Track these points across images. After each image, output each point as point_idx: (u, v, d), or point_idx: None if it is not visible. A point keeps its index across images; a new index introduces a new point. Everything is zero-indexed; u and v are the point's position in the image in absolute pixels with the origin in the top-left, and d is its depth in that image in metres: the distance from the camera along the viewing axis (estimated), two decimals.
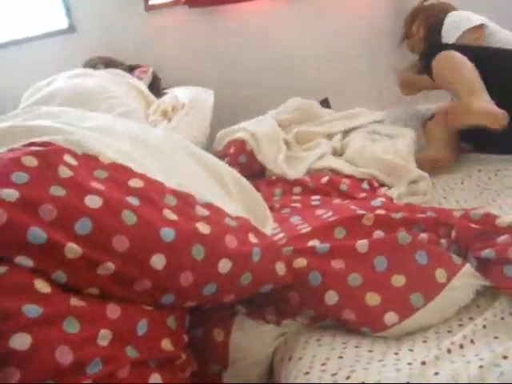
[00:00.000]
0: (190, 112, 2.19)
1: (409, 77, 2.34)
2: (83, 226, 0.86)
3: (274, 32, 2.84)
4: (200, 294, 0.95)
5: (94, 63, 2.45)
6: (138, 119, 1.96)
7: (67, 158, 0.96)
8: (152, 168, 1.09)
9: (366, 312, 1.01)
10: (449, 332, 0.98)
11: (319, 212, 1.33)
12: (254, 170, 1.80)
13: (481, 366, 0.79)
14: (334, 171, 1.74)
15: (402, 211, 1.23)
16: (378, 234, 1.15)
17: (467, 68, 1.70)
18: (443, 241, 1.13)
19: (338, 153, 1.92)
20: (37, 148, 0.96)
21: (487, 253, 1.05)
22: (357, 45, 2.87)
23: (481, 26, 2.03)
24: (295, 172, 1.73)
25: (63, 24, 2.73)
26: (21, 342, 0.74)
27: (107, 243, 0.86)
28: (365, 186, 1.66)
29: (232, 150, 1.84)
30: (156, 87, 2.51)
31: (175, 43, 2.81)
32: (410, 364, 0.86)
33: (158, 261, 0.89)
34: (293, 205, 1.51)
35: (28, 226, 0.81)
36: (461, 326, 0.99)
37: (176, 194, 1.04)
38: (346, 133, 2.04)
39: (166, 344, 0.91)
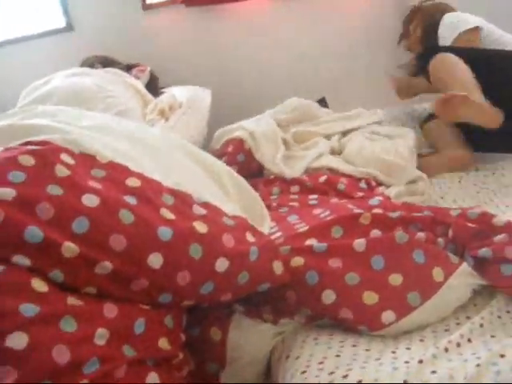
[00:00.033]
0: (187, 111, 2.19)
1: (405, 81, 2.34)
2: (80, 225, 0.86)
3: (272, 31, 2.84)
4: (197, 292, 0.95)
5: (92, 62, 2.45)
6: (135, 118, 1.96)
7: (64, 157, 0.96)
8: (149, 167, 1.09)
9: (364, 311, 1.01)
10: (446, 331, 0.98)
11: (317, 211, 1.33)
12: (251, 169, 1.80)
13: (478, 365, 0.79)
14: (331, 170, 1.74)
15: (400, 210, 1.23)
16: (376, 233, 1.15)
17: (462, 70, 1.71)
18: (440, 240, 1.13)
19: (335, 152, 1.92)
20: (34, 147, 0.96)
21: (484, 252, 1.05)
22: (354, 44, 2.88)
23: (476, 28, 2.04)
24: (293, 171, 1.73)
25: (61, 23, 2.72)
26: (18, 341, 0.74)
27: (104, 242, 0.86)
28: (362, 185, 1.66)
29: (230, 149, 1.84)
30: (153, 86, 2.51)
31: (172, 42, 2.81)
32: (407, 362, 0.86)
33: (156, 260, 0.89)
34: (290, 204, 1.51)
35: (25, 225, 0.81)
36: (458, 324, 0.99)
37: (173, 193, 1.04)
38: (344, 133, 2.04)
39: (163, 343, 0.91)
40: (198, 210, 1.04)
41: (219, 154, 1.80)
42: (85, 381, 0.76)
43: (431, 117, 2.01)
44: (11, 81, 2.54)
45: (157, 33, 2.79)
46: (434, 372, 0.81)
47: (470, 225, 1.15)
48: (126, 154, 1.09)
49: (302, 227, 1.21)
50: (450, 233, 1.14)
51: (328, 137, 2.00)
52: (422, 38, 2.34)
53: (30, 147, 0.96)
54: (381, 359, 0.90)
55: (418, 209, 1.29)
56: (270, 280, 1.04)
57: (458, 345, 0.89)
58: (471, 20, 2.08)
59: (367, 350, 0.95)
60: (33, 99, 2.00)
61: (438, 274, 1.03)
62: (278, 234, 1.21)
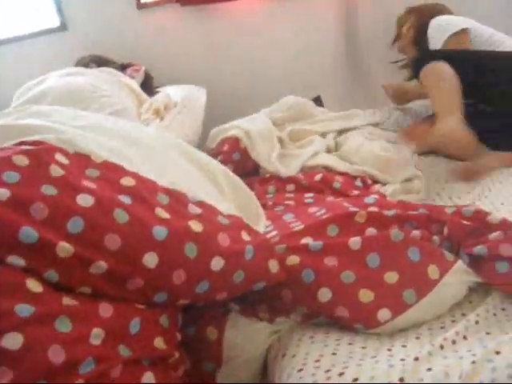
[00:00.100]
0: (182, 110, 2.19)
1: (399, 87, 2.36)
2: (75, 225, 0.85)
3: (267, 30, 2.84)
4: (193, 292, 0.94)
5: (86, 62, 2.44)
6: (130, 118, 1.96)
7: (59, 157, 0.96)
8: (144, 166, 1.08)
9: (359, 309, 1.01)
10: (442, 328, 0.98)
11: (312, 210, 1.33)
12: (247, 168, 1.80)
13: (473, 362, 0.79)
14: (327, 168, 1.74)
15: (395, 208, 1.23)
16: (371, 231, 1.15)
17: (450, 85, 1.72)
18: (435, 237, 1.13)
19: (331, 150, 1.92)
20: (28, 147, 0.95)
21: (479, 249, 1.05)
22: (350, 43, 2.88)
23: (465, 30, 2.05)
24: (289, 169, 1.73)
25: (54, 22, 2.71)
26: (13, 341, 0.74)
27: (99, 242, 0.86)
28: (358, 183, 1.66)
29: (226, 148, 1.83)
30: (148, 86, 2.51)
31: (167, 41, 2.81)
32: (403, 360, 0.86)
33: (151, 259, 0.89)
34: (286, 202, 1.51)
35: (19, 226, 0.81)
36: (453, 322, 0.99)
37: (168, 192, 1.04)
38: (340, 132, 2.05)
39: (159, 342, 0.91)
40: (193, 209, 1.03)
41: (215, 153, 1.79)
42: (80, 381, 0.76)
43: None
44: (5, 80, 2.53)
45: (151, 32, 2.79)
46: (429, 369, 0.81)
47: (465, 222, 1.15)
48: (121, 153, 1.09)
49: (298, 226, 1.21)
50: (445, 230, 1.15)
51: (323, 135, 2.00)
52: (414, 40, 2.35)
53: (24, 147, 0.95)
54: (377, 357, 0.90)
55: (413, 207, 1.29)
56: (265, 279, 1.03)
57: (454, 342, 0.89)
58: (459, 22, 2.09)
59: (363, 347, 0.95)
60: (27, 99, 1.99)
61: (433, 271, 1.03)
62: (274, 232, 1.21)
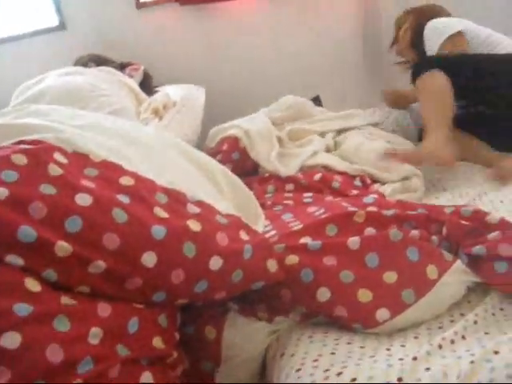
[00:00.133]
0: (181, 110, 2.19)
1: (397, 94, 2.38)
2: (73, 224, 0.85)
3: (266, 30, 2.85)
4: (191, 291, 0.94)
5: (85, 61, 2.44)
6: (129, 117, 1.96)
7: (57, 156, 0.96)
8: (143, 166, 1.08)
9: (358, 308, 1.01)
10: (440, 328, 0.98)
11: (311, 209, 1.33)
12: (246, 167, 1.80)
13: (472, 362, 0.79)
14: (326, 168, 1.74)
15: (394, 208, 1.23)
16: (370, 230, 1.15)
17: (440, 101, 1.75)
18: (434, 237, 1.13)
19: (330, 150, 1.92)
20: (26, 146, 0.95)
21: (478, 249, 1.05)
22: (348, 43, 2.88)
23: (460, 33, 2.05)
24: (288, 169, 1.73)
25: (53, 21, 2.71)
26: (11, 340, 0.74)
27: (98, 241, 0.86)
28: (357, 182, 1.66)
29: (225, 147, 1.84)
30: (147, 85, 2.50)
31: (166, 41, 2.81)
32: (401, 360, 0.86)
33: (149, 258, 0.89)
34: (285, 202, 1.51)
35: (18, 225, 0.81)
36: (452, 321, 0.99)
37: (167, 191, 1.04)
38: (340, 132, 2.05)
39: (157, 342, 0.91)
40: (192, 209, 1.03)
41: (214, 153, 1.79)
42: (78, 380, 0.76)
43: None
44: (3, 80, 2.52)
45: (151, 31, 2.79)
46: (428, 369, 0.81)
47: (463, 222, 1.15)
48: (120, 152, 1.09)
49: (297, 225, 1.21)
50: (444, 230, 1.15)
51: (322, 134, 2.00)
52: (411, 42, 2.35)
53: (22, 146, 0.95)
54: (375, 356, 0.90)
55: (412, 207, 1.29)
56: (264, 278, 1.03)
57: (452, 342, 0.89)
58: (455, 25, 2.09)
59: (362, 347, 0.95)
60: (25, 98, 1.99)
61: (432, 271, 1.03)
62: (273, 232, 1.21)
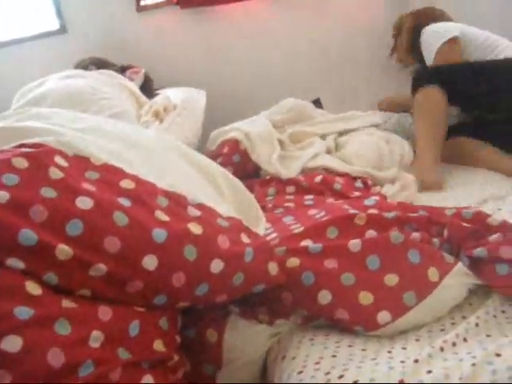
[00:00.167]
0: (182, 113, 2.19)
1: (393, 101, 2.41)
2: (74, 228, 0.85)
3: (266, 32, 2.85)
4: (192, 294, 0.94)
5: (86, 64, 2.44)
6: (129, 120, 1.96)
7: (58, 160, 0.96)
8: (144, 169, 1.08)
9: (359, 311, 1.01)
10: (441, 330, 0.98)
11: (312, 212, 1.33)
12: (247, 170, 1.80)
13: (473, 364, 0.79)
14: (327, 170, 1.75)
15: (395, 210, 1.23)
16: (371, 233, 1.15)
17: (435, 120, 1.85)
18: (435, 240, 1.13)
19: (331, 151, 1.93)
20: (27, 149, 0.95)
21: (479, 251, 1.05)
22: (349, 46, 2.88)
23: (456, 38, 2.07)
24: (289, 171, 1.73)
25: (54, 25, 2.71)
26: (12, 344, 0.73)
27: (99, 244, 0.86)
28: (358, 184, 1.67)
29: (226, 150, 1.84)
30: (148, 88, 2.50)
31: (167, 44, 2.81)
32: (402, 362, 0.86)
33: (150, 262, 0.89)
34: (286, 205, 1.51)
35: (19, 228, 0.81)
36: (453, 324, 0.99)
37: (168, 194, 1.04)
38: (340, 134, 2.05)
39: (158, 345, 0.91)
40: (193, 212, 1.03)
41: (215, 155, 1.80)
42: (79, 383, 0.76)
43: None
44: (5, 83, 2.53)
45: (151, 34, 2.79)
46: (429, 371, 0.81)
47: (465, 224, 1.15)
48: (120, 155, 1.09)
49: (298, 228, 1.21)
50: (445, 233, 1.15)
51: (323, 137, 2.00)
52: (409, 49, 2.38)
53: (23, 149, 0.95)
54: (377, 359, 0.90)
55: (413, 209, 1.29)
56: (265, 281, 1.03)
57: (454, 344, 0.89)
58: (450, 30, 2.12)
59: (363, 349, 0.95)
60: (27, 101, 1.99)
61: (433, 273, 1.03)
62: (274, 235, 1.21)
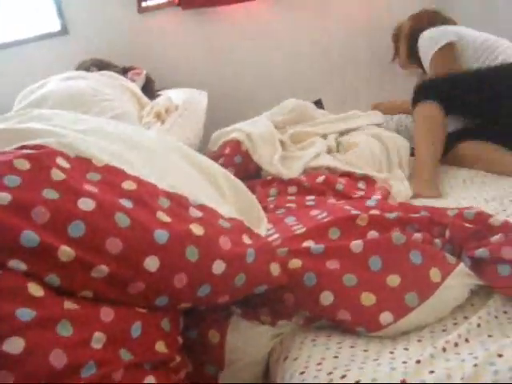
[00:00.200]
0: (183, 114, 2.19)
1: (390, 106, 2.43)
2: (76, 229, 0.85)
3: (268, 33, 2.85)
4: (194, 295, 0.94)
5: (87, 65, 2.44)
6: (131, 121, 1.96)
7: (60, 161, 0.96)
8: (145, 170, 1.08)
9: (361, 312, 1.01)
10: (444, 331, 0.98)
11: (314, 213, 1.33)
12: (249, 171, 1.80)
13: (475, 365, 0.79)
14: (329, 169, 1.75)
15: (396, 211, 1.23)
16: (373, 234, 1.15)
17: (433, 135, 1.89)
18: (437, 240, 1.13)
19: (332, 151, 1.93)
20: (29, 151, 0.96)
21: (481, 252, 1.05)
22: (350, 47, 2.88)
23: (449, 45, 2.09)
24: (291, 172, 1.73)
25: (55, 26, 2.72)
26: (14, 345, 0.73)
27: (100, 246, 0.86)
28: (361, 185, 1.66)
29: (227, 151, 1.84)
30: (149, 89, 2.51)
31: (168, 45, 2.81)
32: (405, 363, 0.86)
33: (152, 263, 0.89)
34: (287, 205, 1.51)
35: (21, 230, 0.81)
36: (455, 324, 0.99)
37: (169, 195, 1.04)
38: (342, 133, 2.05)
39: (160, 346, 0.91)
40: (194, 213, 1.03)
41: (216, 156, 1.80)
42: None
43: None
44: (6, 84, 2.53)
45: (153, 36, 2.79)
46: (431, 372, 0.81)
47: (466, 225, 1.15)
48: (122, 157, 1.09)
49: (299, 229, 1.21)
50: (447, 233, 1.15)
51: (325, 137, 2.00)
52: (408, 54, 2.40)
53: (25, 151, 0.95)
54: (379, 360, 0.90)
55: (414, 209, 1.29)
56: (267, 282, 1.03)
57: (456, 345, 0.89)
58: (445, 36, 2.12)
59: (365, 350, 0.95)
60: (28, 103, 1.99)
61: (435, 274, 1.03)
62: (276, 235, 1.21)
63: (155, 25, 2.79)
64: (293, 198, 1.59)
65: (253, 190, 1.53)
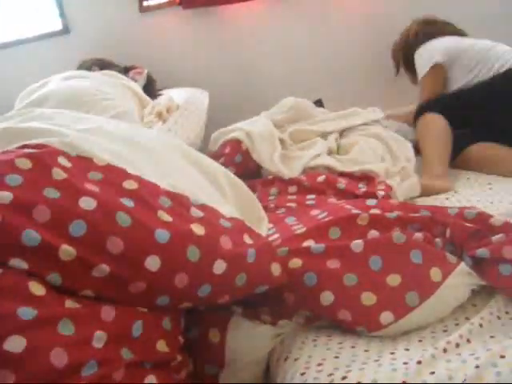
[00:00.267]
0: (184, 113, 2.19)
1: (390, 116, 2.43)
2: (77, 228, 0.85)
3: (269, 33, 2.84)
4: (195, 295, 0.94)
5: (89, 65, 2.44)
6: (132, 121, 1.96)
7: (61, 160, 0.96)
8: (146, 169, 1.08)
9: (362, 312, 1.01)
10: (445, 331, 0.98)
11: (314, 212, 1.33)
12: (249, 170, 1.80)
13: (477, 366, 0.79)
14: (329, 169, 1.74)
15: (397, 210, 1.23)
16: (373, 233, 1.15)
17: (441, 139, 1.93)
18: (438, 240, 1.13)
19: (333, 152, 1.92)
20: (30, 150, 0.96)
21: (482, 252, 1.05)
22: (350, 45, 2.88)
23: (439, 64, 2.16)
24: (291, 171, 1.73)
25: (57, 25, 2.72)
26: (15, 344, 0.74)
27: (101, 245, 0.86)
28: (361, 186, 1.66)
29: (227, 150, 1.84)
30: (151, 88, 2.50)
31: (170, 44, 2.81)
32: (406, 363, 0.86)
33: (153, 262, 0.89)
34: (288, 205, 1.51)
35: (22, 229, 0.81)
36: (457, 325, 0.99)
37: (170, 195, 1.04)
38: (342, 132, 2.05)
39: (161, 345, 0.91)
40: (195, 212, 1.03)
41: (217, 156, 1.80)
42: (83, 383, 0.76)
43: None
44: (8, 84, 2.53)
45: (154, 35, 2.79)
46: (432, 373, 0.81)
47: (467, 225, 1.15)
48: (123, 156, 1.09)
49: (300, 228, 1.21)
50: (448, 233, 1.14)
51: (325, 136, 1.99)
52: (408, 71, 2.45)
53: (26, 150, 0.96)
54: (380, 360, 0.90)
55: (415, 209, 1.28)
56: (267, 282, 1.03)
57: (457, 345, 0.89)
58: (432, 57, 2.19)
59: (366, 351, 0.95)
60: (29, 102, 1.99)
61: (435, 274, 1.03)
62: (276, 235, 1.21)
63: (156, 24, 2.79)
64: (293, 197, 1.59)
65: (253, 190, 1.53)
